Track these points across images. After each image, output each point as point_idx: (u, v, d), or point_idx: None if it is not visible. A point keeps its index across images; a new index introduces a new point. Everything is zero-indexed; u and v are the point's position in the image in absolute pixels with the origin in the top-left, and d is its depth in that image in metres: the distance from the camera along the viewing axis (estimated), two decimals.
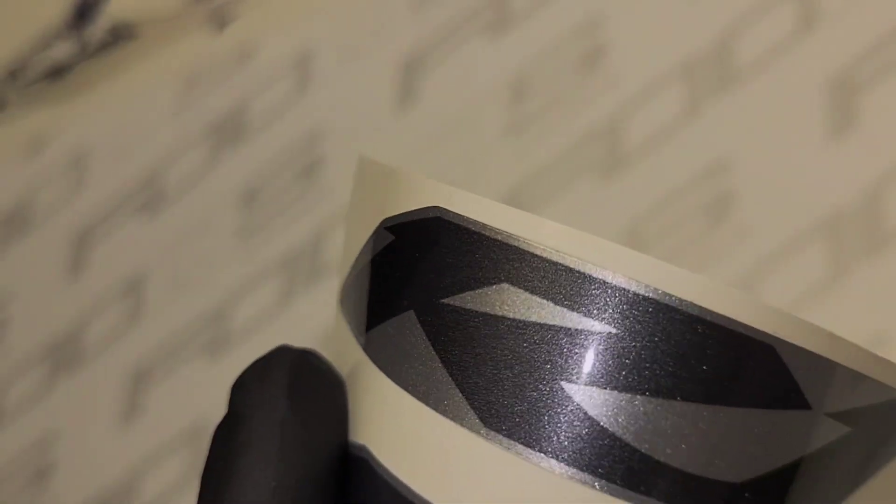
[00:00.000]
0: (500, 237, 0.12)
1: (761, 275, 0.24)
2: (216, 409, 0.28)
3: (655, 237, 0.25)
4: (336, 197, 0.27)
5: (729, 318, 0.11)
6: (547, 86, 0.26)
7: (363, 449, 0.13)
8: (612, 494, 0.11)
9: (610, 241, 0.11)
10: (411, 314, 0.13)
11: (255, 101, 0.29)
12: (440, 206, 0.12)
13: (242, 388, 0.14)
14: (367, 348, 0.13)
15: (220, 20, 0.29)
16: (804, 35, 0.25)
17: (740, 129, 0.25)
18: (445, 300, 0.12)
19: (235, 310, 0.28)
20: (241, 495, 0.12)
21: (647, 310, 0.11)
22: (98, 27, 0.30)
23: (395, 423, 0.13)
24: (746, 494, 0.11)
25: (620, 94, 0.26)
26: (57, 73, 0.30)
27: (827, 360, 0.11)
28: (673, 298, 0.11)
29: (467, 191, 0.12)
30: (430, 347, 0.12)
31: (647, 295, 0.11)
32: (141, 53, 0.30)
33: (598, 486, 0.11)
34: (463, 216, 0.12)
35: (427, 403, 0.12)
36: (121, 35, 0.30)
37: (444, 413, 0.12)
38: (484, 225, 0.12)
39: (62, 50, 0.30)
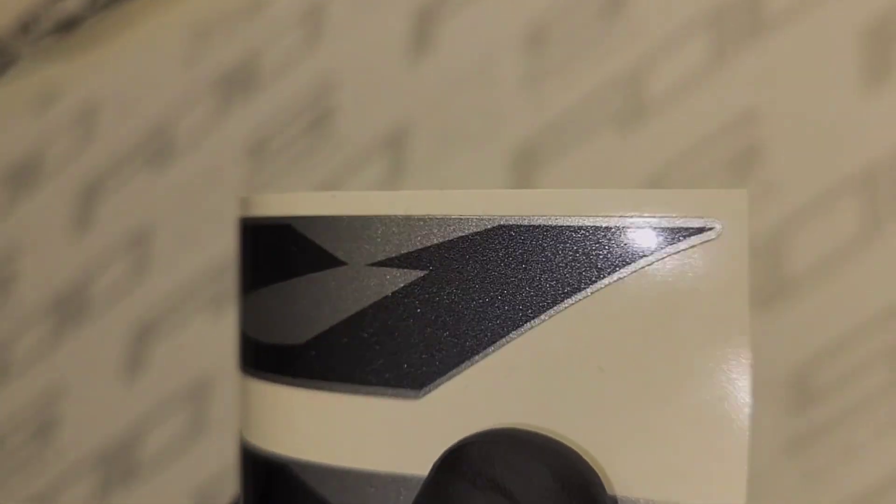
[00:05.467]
0: None
1: (789, 232, 0.23)
2: (220, 363, 0.28)
3: None
4: (347, 149, 0.27)
5: (254, 218, 0.14)
6: (566, 34, 0.25)
7: None
8: None
9: None
10: None
11: (265, 53, 0.28)
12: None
13: None
14: None
15: None
16: None
17: (769, 78, 0.24)
18: None
19: None
20: None
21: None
22: None
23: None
24: (313, 353, 0.13)
25: (643, 42, 0.25)
26: (68, 26, 0.30)
27: (330, 217, 0.13)
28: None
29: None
30: None
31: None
32: (151, 4, 0.29)
33: None
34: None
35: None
36: None
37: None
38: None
39: (74, 2, 0.30)
